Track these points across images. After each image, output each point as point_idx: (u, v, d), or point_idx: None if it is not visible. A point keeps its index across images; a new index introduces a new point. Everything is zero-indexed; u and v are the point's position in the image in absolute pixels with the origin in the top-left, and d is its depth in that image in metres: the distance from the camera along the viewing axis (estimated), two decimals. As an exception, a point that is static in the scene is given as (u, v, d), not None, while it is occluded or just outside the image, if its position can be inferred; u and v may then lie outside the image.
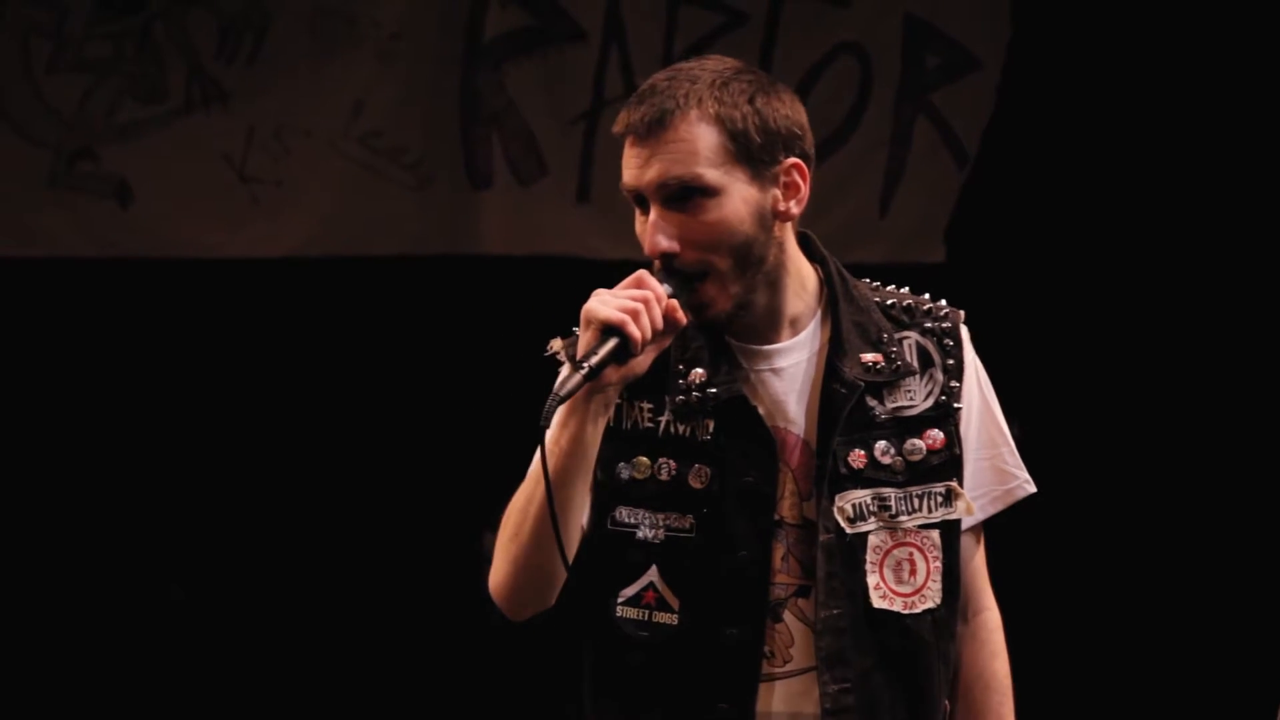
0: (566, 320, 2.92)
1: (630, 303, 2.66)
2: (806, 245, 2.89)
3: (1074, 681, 6.12)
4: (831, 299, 2.86)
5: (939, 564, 2.86)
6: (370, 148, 6.16)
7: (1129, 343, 6.18)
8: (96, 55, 6.12)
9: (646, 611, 2.82)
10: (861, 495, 2.82)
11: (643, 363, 2.69)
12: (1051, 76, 6.17)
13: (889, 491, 2.83)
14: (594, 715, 2.88)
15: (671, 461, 2.80)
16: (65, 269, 6.14)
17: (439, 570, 6.33)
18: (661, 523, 2.81)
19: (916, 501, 2.85)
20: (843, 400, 2.81)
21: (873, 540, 2.82)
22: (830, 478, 2.80)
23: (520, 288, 6.16)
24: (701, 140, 2.74)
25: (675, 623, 2.80)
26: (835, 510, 2.80)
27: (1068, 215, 6.19)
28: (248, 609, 6.30)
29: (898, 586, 2.83)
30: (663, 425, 2.81)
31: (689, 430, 2.80)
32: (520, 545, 2.76)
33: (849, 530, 2.81)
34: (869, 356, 2.84)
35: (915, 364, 2.87)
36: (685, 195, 2.74)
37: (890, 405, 2.85)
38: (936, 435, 2.86)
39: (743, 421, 2.80)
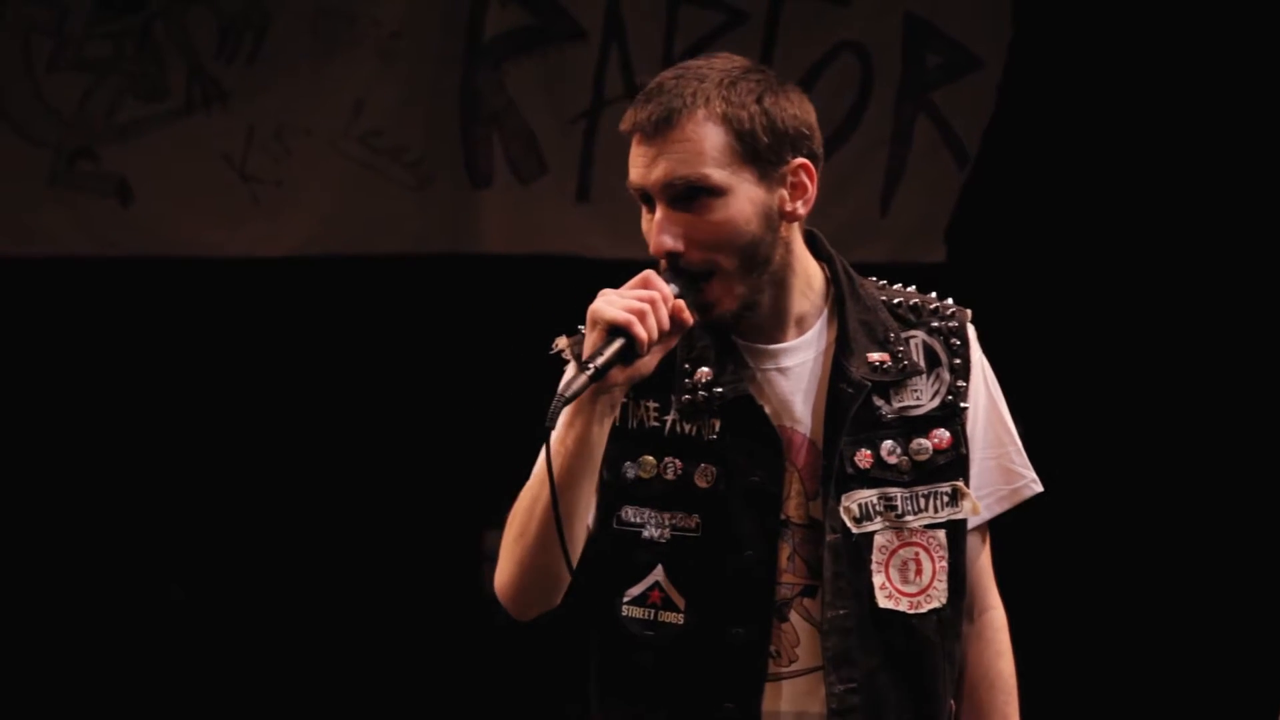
0: (567, 319, 2.92)
1: (636, 303, 2.66)
2: (813, 244, 2.89)
3: (1079, 681, 6.12)
4: (838, 298, 2.86)
5: (945, 564, 2.86)
6: (370, 147, 6.15)
7: (1130, 342, 6.18)
8: (97, 54, 6.11)
9: (652, 611, 2.82)
10: (868, 495, 2.82)
11: (649, 363, 2.69)
12: (1052, 76, 6.16)
13: (895, 491, 2.83)
14: (600, 715, 2.88)
15: (677, 461, 2.80)
16: (65, 268, 6.13)
17: (440, 570, 6.32)
18: (667, 522, 2.81)
19: (923, 501, 2.84)
20: (849, 400, 2.81)
21: (879, 540, 2.82)
22: (836, 477, 2.80)
23: (520, 287, 6.16)
24: (708, 140, 2.73)
25: (681, 622, 2.80)
26: (841, 510, 2.80)
27: (1068, 215, 6.18)
28: (249, 609, 6.30)
29: (903, 586, 2.83)
30: (669, 424, 2.81)
31: (695, 429, 2.80)
32: (525, 546, 2.76)
33: (855, 530, 2.81)
34: (876, 356, 2.84)
35: (922, 363, 2.87)
36: (691, 195, 2.74)
37: (897, 405, 2.84)
38: (943, 435, 2.86)
39: (749, 421, 2.79)
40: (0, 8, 6.05)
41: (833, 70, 6.15)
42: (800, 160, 2.79)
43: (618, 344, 2.64)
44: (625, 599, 2.82)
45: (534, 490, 2.75)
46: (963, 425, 2.88)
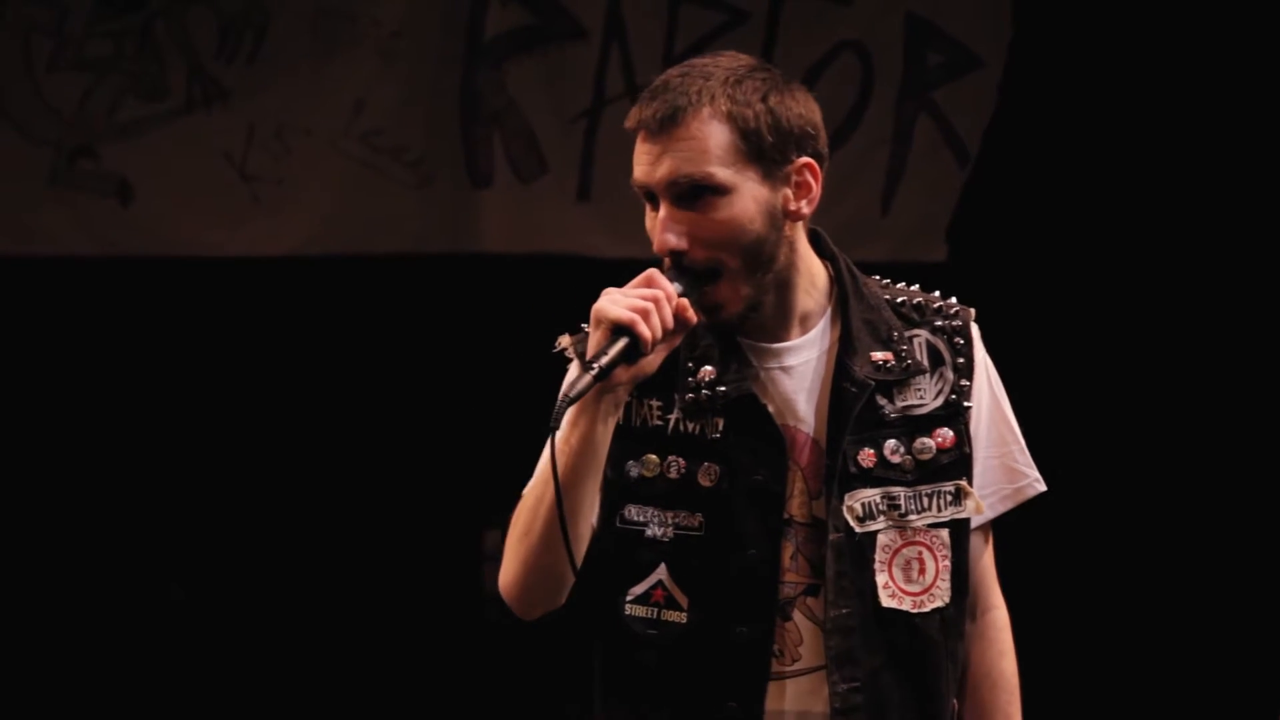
0: (567, 319, 2.92)
1: (641, 302, 2.65)
2: (817, 242, 2.88)
3: (1080, 680, 6.12)
4: (842, 297, 2.86)
5: (948, 563, 2.85)
6: (371, 146, 6.15)
7: (1131, 340, 6.18)
8: (97, 54, 6.10)
9: (655, 610, 2.81)
10: (871, 494, 2.82)
11: (653, 362, 2.68)
12: (1053, 75, 6.16)
13: (898, 490, 2.83)
14: (602, 714, 2.88)
15: (681, 459, 2.80)
16: (65, 268, 6.12)
17: (440, 570, 6.32)
18: (670, 521, 2.81)
19: (926, 500, 2.84)
20: (853, 399, 2.80)
21: (882, 539, 2.82)
22: (840, 477, 2.80)
23: (521, 286, 6.16)
24: (713, 138, 2.73)
25: (684, 621, 2.80)
26: (844, 509, 2.80)
27: (1069, 214, 6.18)
28: (249, 608, 6.29)
29: (907, 585, 2.83)
30: (672, 423, 2.81)
31: (698, 428, 2.80)
32: (530, 545, 2.76)
33: (858, 529, 2.81)
34: (879, 355, 2.84)
35: (925, 362, 2.87)
36: (696, 193, 2.73)
37: (900, 404, 2.84)
38: (946, 434, 2.86)
39: (752, 419, 2.79)
40: (1, 7, 6.04)
41: (833, 69, 6.15)
42: (805, 160, 2.78)
43: (622, 343, 2.64)
44: (628, 598, 2.82)
45: (538, 490, 2.75)
46: (966, 424, 2.87)
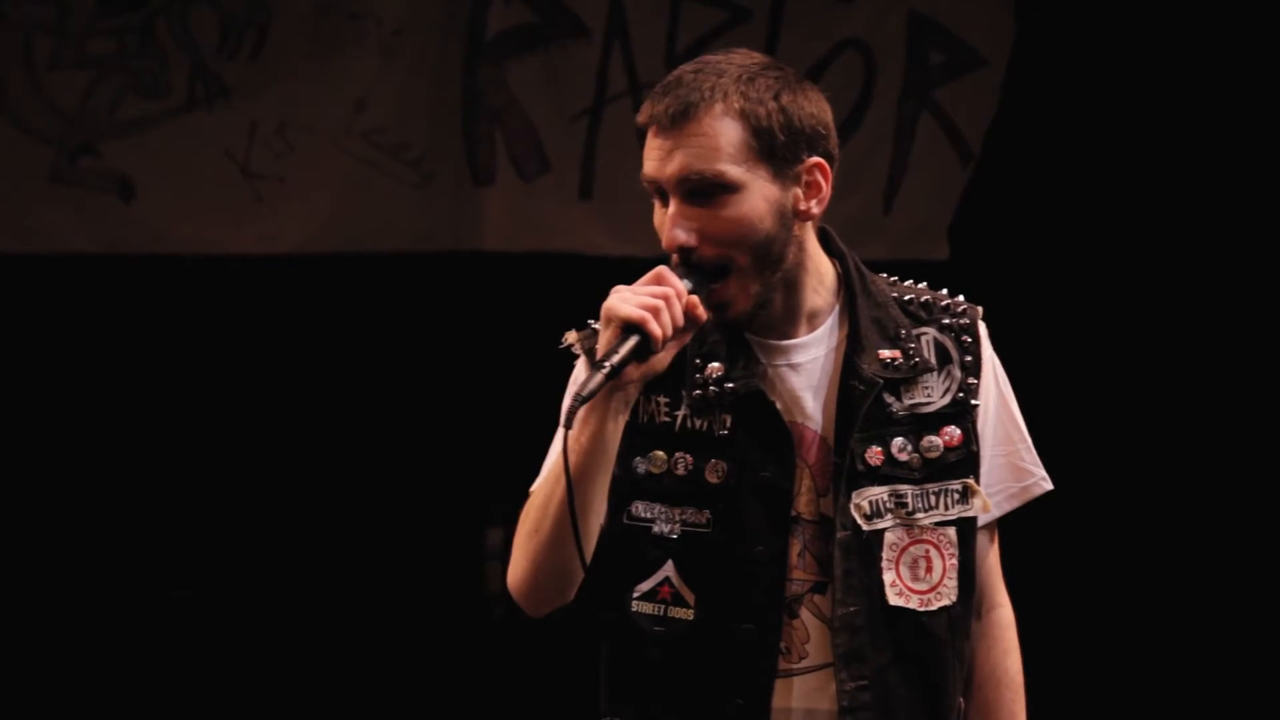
0: (569, 316, 2.92)
1: (651, 299, 2.64)
2: (825, 240, 2.88)
3: (1085, 679, 6.12)
4: (849, 295, 2.86)
5: (955, 561, 2.85)
6: (373, 144, 6.15)
7: (1134, 339, 6.18)
8: (99, 51, 6.10)
9: (662, 607, 2.81)
10: (878, 492, 2.81)
11: (663, 359, 2.68)
12: (1056, 74, 6.16)
13: (906, 488, 2.82)
14: (609, 710, 2.87)
15: (688, 456, 2.80)
16: (67, 265, 6.12)
17: (442, 568, 6.32)
18: (678, 517, 2.80)
19: (933, 499, 2.84)
20: (861, 397, 2.80)
21: (889, 537, 2.82)
22: (847, 474, 2.80)
23: (523, 284, 6.16)
24: (724, 135, 2.72)
25: (691, 618, 2.80)
26: (852, 507, 2.80)
27: (1072, 213, 6.18)
28: (251, 607, 6.29)
29: (914, 584, 2.83)
30: (679, 420, 2.81)
31: (706, 425, 2.80)
32: (540, 542, 2.75)
33: (865, 527, 2.81)
34: (887, 353, 2.83)
35: (933, 360, 2.87)
36: (706, 190, 2.73)
37: (908, 402, 2.84)
38: (954, 432, 2.86)
39: (760, 416, 2.79)
40: (2, 5, 6.04)
41: (836, 68, 6.14)
42: (815, 159, 2.78)
43: (632, 341, 2.63)
44: (635, 594, 2.82)
45: (547, 487, 2.74)
46: (973, 422, 2.88)
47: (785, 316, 2.82)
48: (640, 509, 2.81)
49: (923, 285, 2.95)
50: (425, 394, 6.28)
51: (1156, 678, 6.12)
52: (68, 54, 6.09)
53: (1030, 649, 3.03)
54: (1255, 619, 6.13)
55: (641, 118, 2.78)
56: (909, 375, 2.84)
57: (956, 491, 2.86)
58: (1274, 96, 6.09)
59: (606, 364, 2.61)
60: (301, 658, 6.26)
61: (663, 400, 2.81)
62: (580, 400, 2.61)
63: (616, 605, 2.83)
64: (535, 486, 2.82)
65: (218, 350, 6.24)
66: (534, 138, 6.18)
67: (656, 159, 2.75)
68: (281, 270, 6.15)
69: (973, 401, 2.88)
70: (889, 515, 2.82)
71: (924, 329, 2.88)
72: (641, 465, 2.81)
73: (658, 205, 2.79)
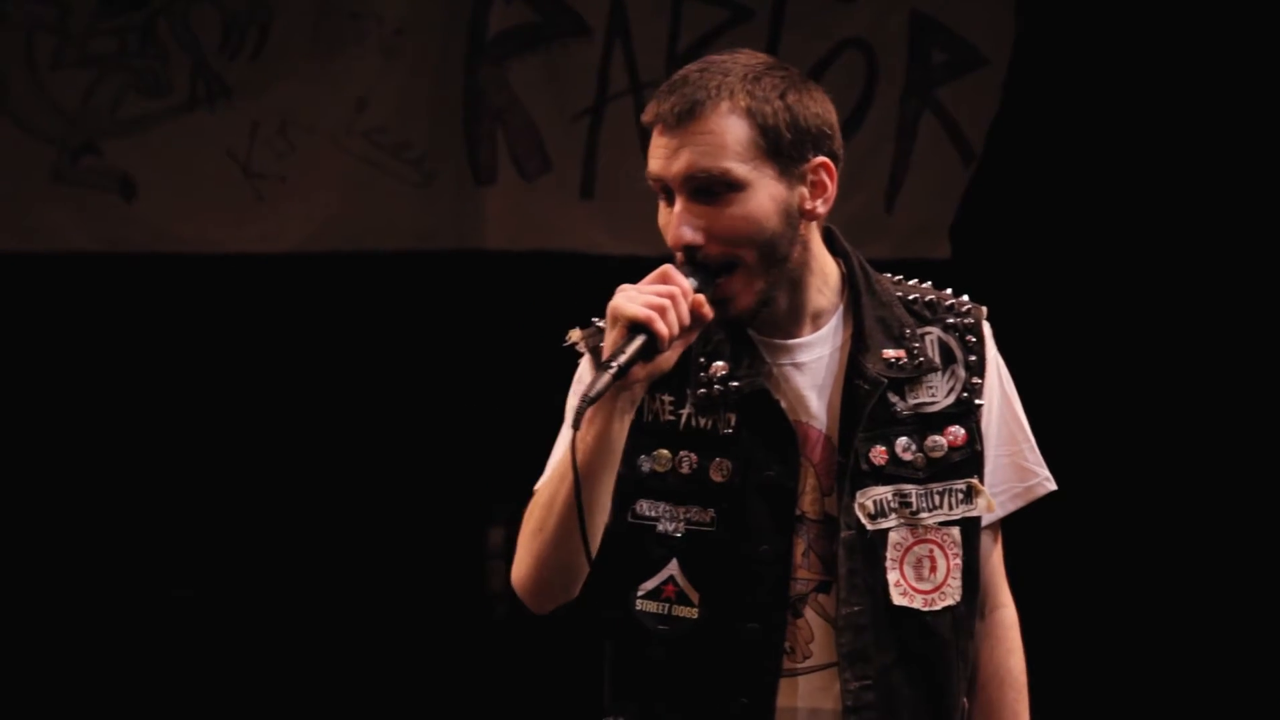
0: (570, 315, 2.92)
1: (657, 299, 2.64)
2: (830, 239, 2.88)
3: (1089, 679, 6.12)
4: (854, 294, 2.86)
5: (959, 561, 2.85)
6: (374, 143, 6.14)
7: (1136, 338, 6.18)
8: (100, 50, 6.10)
9: (666, 605, 2.81)
10: (882, 492, 2.82)
11: (670, 358, 2.68)
12: (1058, 73, 6.16)
13: (910, 488, 2.82)
14: (613, 709, 2.87)
15: (692, 455, 2.80)
16: (69, 264, 6.12)
17: (444, 567, 6.31)
18: (682, 516, 2.80)
19: (937, 498, 2.84)
20: (865, 396, 2.80)
21: (893, 537, 2.82)
22: (851, 474, 2.80)
23: (524, 284, 6.16)
24: (731, 133, 2.72)
25: (695, 617, 2.80)
26: (856, 506, 2.80)
27: (1074, 212, 6.18)
28: (253, 606, 6.29)
29: (918, 584, 2.83)
30: (684, 418, 2.81)
31: (710, 423, 2.80)
32: (544, 541, 2.75)
33: (870, 527, 2.81)
34: (891, 352, 2.83)
35: (937, 360, 2.87)
36: (712, 188, 2.72)
37: (912, 401, 2.84)
38: (958, 432, 2.86)
39: (765, 415, 2.79)
40: (4, 4, 6.04)
41: (837, 67, 6.14)
42: (821, 159, 2.78)
43: (639, 341, 2.62)
44: (639, 593, 2.82)
45: (552, 486, 2.74)
46: (978, 422, 2.88)
47: (790, 316, 2.82)
48: (645, 508, 2.81)
49: (927, 285, 2.95)
50: (427, 393, 6.28)
51: (1159, 678, 6.12)
52: (69, 53, 6.08)
53: (1033, 649, 3.03)
54: (1258, 619, 6.13)
55: (647, 117, 2.77)
56: (913, 375, 2.84)
57: (961, 491, 2.86)
58: (1276, 94, 6.09)
59: (614, 364, 2.61)
60: (304, 657, 6.26)
61: (667, 399, 2.81)
62: (588, 401, 2.60)
63: (621, 604, 2.83)
64: (539, 485, 2.82)
65: (219, 349, 6.24)
66: (535, 137, 6.18)
67: (662, 157, 2.75)
68: (283, 270, 6.15)
69: (977, 401, 2.87)
70: (893, 515, 2.82)
71: (928, 328, 2.88)
72: (646, 464, 2.80)
73: (663, 205, 2.78)
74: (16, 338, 6.20)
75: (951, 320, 2.90)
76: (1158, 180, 6.14)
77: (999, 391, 2.92)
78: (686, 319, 2.66)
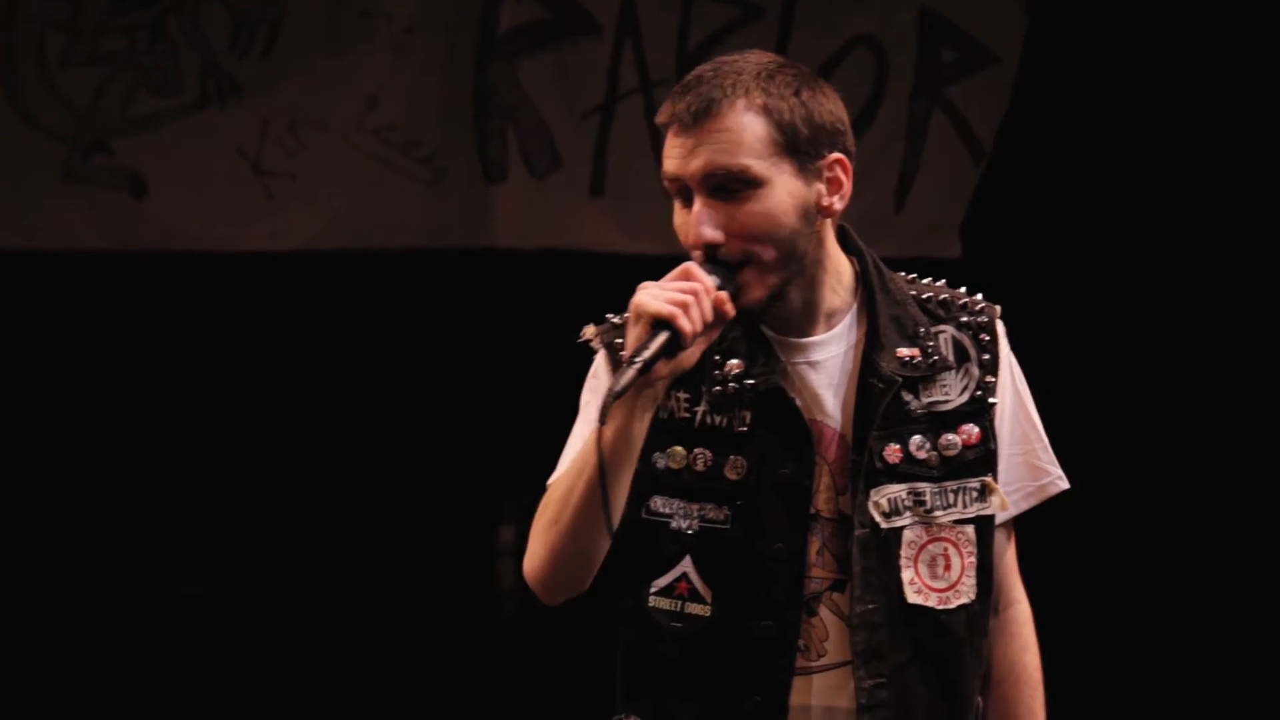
0: (580, 313, 2.92)
1: (680, 295, 2.64)
2: (843, 238, 2.88)
3: (1101, 677, 6.11)
4: (868, 293, 2.86)
5: (973, 559, 2.85)
6: (384, 141, 6.15)
7: (1147, 336, 6.17)
8: (111, 48, 6.10)
9: (679, 602, 2.81)
10: (897, 490, 2.82)
11: (691, 355, 2.68)
12: (1068, 71, 6.15)
13: (924, 486, 2.83)
14: (626, 705, 2.87)
15: (707, 452, 2.80)
16: (79, 262, 6.12)
17: (455, 565, 6.32)
18: (696, 513, 2.80)
19: (951, 497, 2.84)
20: (879, 395, 2.80)
21: (908, 535, 2.82)
22: (866, 472, 2.80)
23: (534, 282, 6.16)
24: (748, 130, 2.72)
25: (708, 614, 2.80)
26: (870, 505, 2.80)
27: (1084, 210, 6.18)
28: (263, 604, 6.29)
29: (932, 582, 2.83)
30: (699, 416, 2.81)
31: (725, 421, 2.80)
32: (559, 533, 2.75)
33: (884, 525, 2.81)
34: (905, 351, 2.83)
35: (951, 358, 2.87)
36: (731, 185, 2.72)
37: (926, 400, 2.84)
38: (972, 430, 2.86)
39: (780, 413, 2.79)
40: (15, 2, 6.04)
41: (847, 65, 6.14)
42: (837, 155, 2.78)
43: (663, 337, 2.62)
44: (652, 589, 2.82)
45: (570, 479, 2.74)
46: (991, 420, 2.88)
47: (804, 314, 2.82)
48: (659, 504, 2.81)
49: (941, 283, 2.95)
50: (437, 391, 6.29)
51: (1172, 675, 6.12)
52: (80, 51, 6.09)
53: (1046, 647, 3.03)
54: (1271, 616, 6.13)
55: (661, 117, 2.77)
56: (927, 373, 2.84)
57: (975, 489, 2.86)
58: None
59: (638, 359, 2.61)
60: (313, 654, 6.26)
61: (682, 396, 2.81)
62: (614, 396, 2.60)
63: (634, 600, 2.83)
64: (554, 480, 2.82)
65: (229, 347, 6.24)
66: (545, 135, 6.18)
67: (679, 157, 2.74)
68: (293, 267, 6.15)
69: (990, 400, 2.88)
70: (907, 513, 2.82)
71: (942, 327, 2.88)
72: (660, 460, 2.80)
73: (678, 205, 2.78)
74: (27, 336, 6.21)
75: (965, 319, 2.90)
76: (1169, 178, 6.13)
77: (1012, 390, 2.92)
78: (709, 315, 2.66)
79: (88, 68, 6.08)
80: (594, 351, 2.88)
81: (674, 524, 2.81)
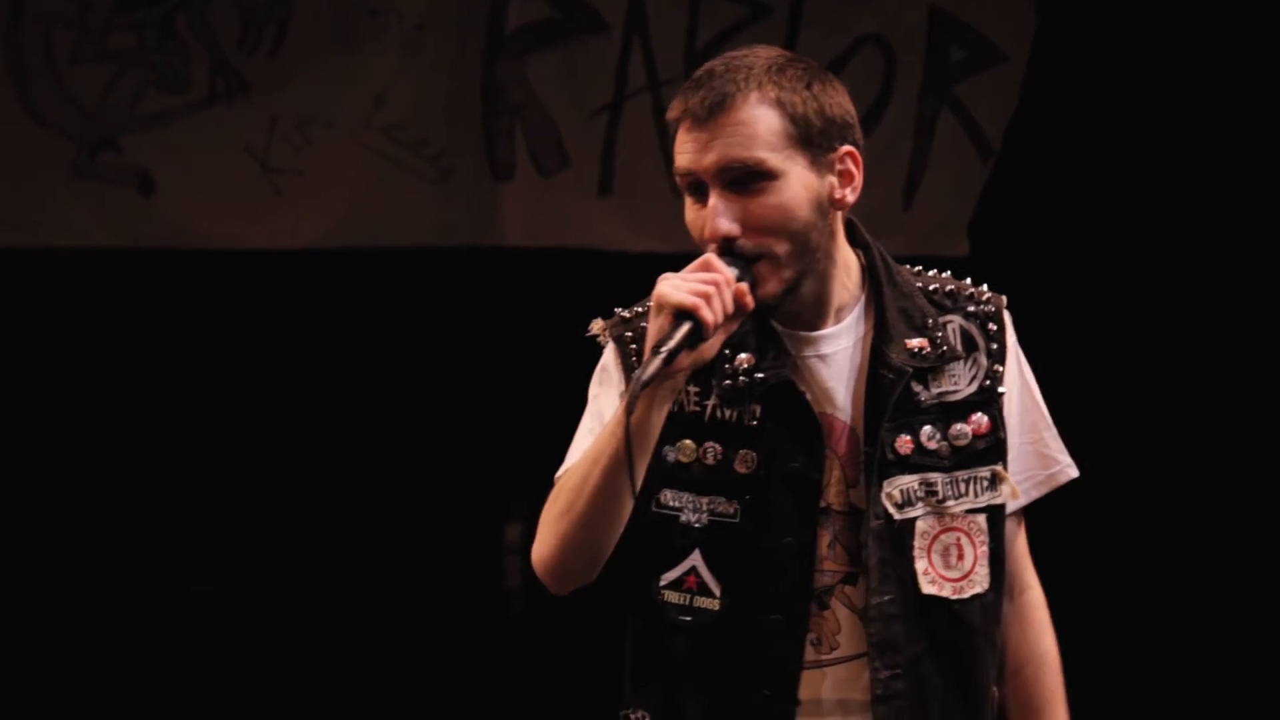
0: (587, 311, 2.92)
1: (702, 286, 2.65)
2: (850, 231, 2.89)
3: (1111, 665, 6.11)
4: (875, 285, 2.86)
5: (986, 549, 2.86)
6: (392, 139, 6.15)
7: (1155, 334, 6.17)
8: (119, 46, 6.10)
9: (688, 596, 2.82)
10: (909, 481, 2.82)
11: (712, 347, 2.68)
12: (1076, 70, 6.15)
13: (936, 477, 2.83)
14: (635, 699, 2.87)
15: (717, 446, 2.80)
16: (87, 260, 6.13)
17: (462, 563, 6.32)
18: (705, 507, 2.81)
19: (963, 486, 2.85)
20: (890, 386, 2.81)
21: (920, 526, 2.83)
22: (879, 464, 2.80)
23: (542, 280, 6.16)
24: (762, 123, 2.73)
25: (717, 608, 2.80)
26: (883, 496, 2.81)
27: (1092, 209, 6.18)
28: (271, 602, 6.30)
29: (946, 572, 2.84)
30: (709, 409, 2.81)
31: (735, 415, 2.80)
32: (570, 523, 2.75)
33: (897, 516, 2.81)
34: (914, 342, 2.84)
35: (960, 348, 2.88)
36: (746, 179, 2.73)
37: (935, 390, 2.85)
38: (981, 420, 2.87)
39: (790, 407, 2.79)
40: (22, 0, 6.05)
41: (855, 64, 6.13)
42: (848, 147, 2.79)
43: (686, 327, 2.63)
44: (661, 583, 2.82)
45: (584, 468, 2.74)
46: (1000, 409, 2.89)
47: (814, 308, 2.83)
48: (669, 497, 2.82)
49: (946, 274, 2.97)
50: (444, 389, 6.29)
51: (1182, 664, 6.11)
52: (88, 48, 6.09)
53: (1057, 635, 3.03)
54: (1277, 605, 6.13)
55: (673, 113, 2.78)
56: (936, 364, 2.85)
57: (986, 479, 2.87)
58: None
59: (662, 349, 2.61)
60: (321, 652, 6.26)
61: (693, 390, 2.81)
62: (641, 384, 2.60)
63: (643, 593, 2.84)
64: (564, 471, 2.82)
65: (237, 345, 6.24)
66: (553, 133, 6.18)
67: (692, 151, 2.75)
68: (301, 265, 6.16)
69: (999, 389, 2.89)
70: (920, 504, 2.83)
71: (949, 317, 2.89)
72: (670, 454, 2.81)
73: (690, 201, 2.79)
74: (36, 333, 6.21)
75: (972, 309, 2.91)
76: (1177, 176, 6.13)
77: (1019, 379, 2.94)
78: (730, 307, 2.67)
79: (96, 65, 6.09)
80: (601, 347, 2.88)
81: (683, 517, 2.81)
